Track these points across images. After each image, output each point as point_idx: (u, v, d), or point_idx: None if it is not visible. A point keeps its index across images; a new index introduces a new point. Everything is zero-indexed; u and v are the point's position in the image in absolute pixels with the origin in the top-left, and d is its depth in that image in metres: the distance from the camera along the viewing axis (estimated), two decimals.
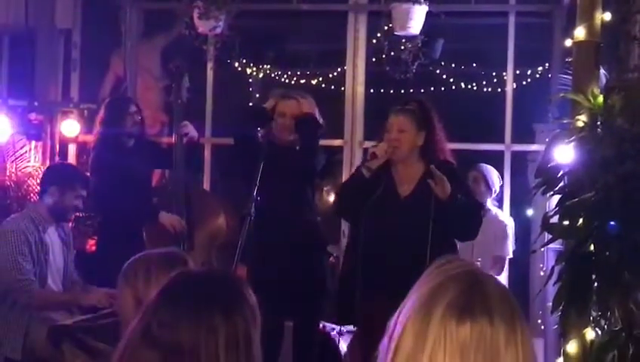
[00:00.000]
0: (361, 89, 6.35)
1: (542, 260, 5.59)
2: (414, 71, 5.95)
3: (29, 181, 6.13)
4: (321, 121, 4.89)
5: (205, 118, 6.45)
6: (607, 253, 3.24)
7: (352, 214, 4.29)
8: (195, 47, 6.12)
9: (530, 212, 6.09)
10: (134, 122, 5.11)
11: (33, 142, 6.29)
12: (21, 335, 4.31)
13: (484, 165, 5.66)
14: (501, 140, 6.23)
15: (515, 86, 6.32)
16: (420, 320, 1.34)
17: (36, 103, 6.30)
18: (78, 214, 5.22)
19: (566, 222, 3.39)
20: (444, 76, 6.86)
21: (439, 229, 3.97)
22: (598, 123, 3.45)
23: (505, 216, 5.76)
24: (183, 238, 4.87)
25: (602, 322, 3.35)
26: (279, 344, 4.72)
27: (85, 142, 6.16)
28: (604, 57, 3.64)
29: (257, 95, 7.60)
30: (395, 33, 5.84)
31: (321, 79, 7.29)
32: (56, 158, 6.26)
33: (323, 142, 5.44)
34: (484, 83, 6.93)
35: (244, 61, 7.17)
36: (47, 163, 6.20)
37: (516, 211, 6.09)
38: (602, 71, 3.64)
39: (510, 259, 5.59)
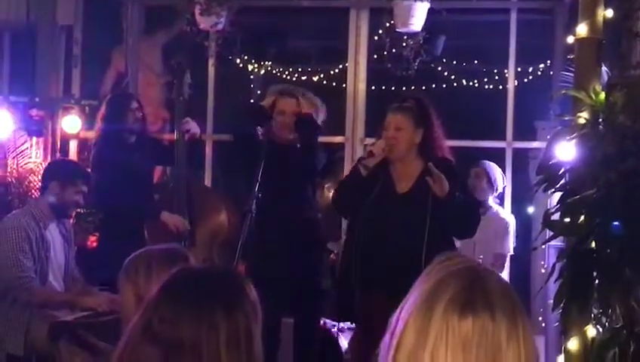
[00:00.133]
0: (362, 86, 6.35)
1: (543, 257, 5.58)
2: (416, 68, 5.94)
3: (30, 177, 6.13)
4: (322, 118, 4.89)
5: (206, 114, 6.45)
6: (609, 251, 3.24)
7: (350, 212, 4.29)
8: (196, 43, 6.12)
9: (531, 209, 6.08)
10: (135, 119, 5.11)
11: (34, 139, 6.29)
12: (22, 332, 4.30)
13: (488, 162, 5.65)
14: (502, 137, 6.22)
15: (516, 83, 6.32)
16: (422, 315, 1.35)
17: (37, 99, 6.30)
18: (79, 210, 5.23)
19: (567, 220, 3.39)
20: (446, 73, 6.85)
21: (436, 226, 3.96)
22: (600, 120, 3.45)
23: (506, 213, 5.75)
24: (184, 235, 4.87)
25: (603, 319, 3.35)
26: (278, 341, 4.73)
27: (86, 139, 6.15)
28: (606, 54, 3.63)
29: (259, 92, 7.59)
30: (397, 30, 5.83)
31: (322, 76, 7.28)
32: (58, 155, 6.26)
33: (324, 139, 5.45)
34: (486, 80, 6.92)
35: (246, 58, 7.17)
36: (49, 159, 6.19)
37: (517, 208, 6.09)
38: (604, 68, 3.64)
39: (511, 257, 5.59)
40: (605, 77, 3.62)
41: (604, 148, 3.28)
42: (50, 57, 6.49)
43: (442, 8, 5.82)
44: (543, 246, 4.70)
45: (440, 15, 5.79)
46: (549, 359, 5.09)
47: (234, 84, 7.16)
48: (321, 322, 5.24)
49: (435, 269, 1.40)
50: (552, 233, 3.58)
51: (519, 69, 6.40)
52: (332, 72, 7.13)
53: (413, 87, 6.72)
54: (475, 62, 7.06)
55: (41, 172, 5.10)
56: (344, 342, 5.28)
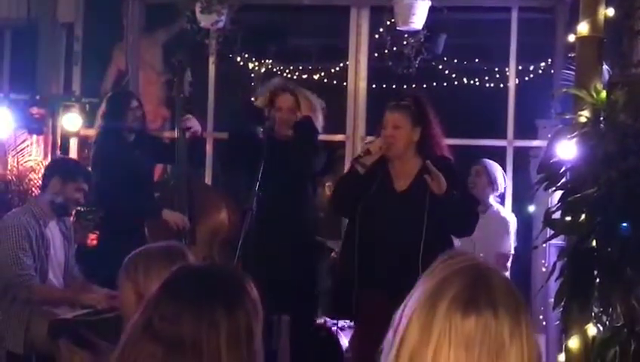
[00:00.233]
0: (363, 84, 6.34)
1: (544, 256, 5.58)
2: (417, 66, 5.94)
3: (30, 175, 6.13)
4: (320, 117, 4.89)
5: (207, 112, 6.45)
6: (610, 249, 3.24)
7: (347, 210, 4.28)
8: (197, 41, 6.11)
9: (531, 208, 6.07)
10: (136, 117, 5.11)
11: (35, 136, 6.29)
12: (22, 330, 4.30)
13: (488, 160, 5.63)
14: (503, 136, 6.22)
15: (517, 81, 6.31)
16: (425, 313, 1.35)
17: (38, 97, 6.30)
18: (79, 208, 5.22)
19: (568, 218, 3.39)
20: (447, 71, 6.84)
21: (434, 224, 3.95)
22: (601, 118, 3.45)
23: (507, 212, 5.74)
24: (185, 233, 4.87)
25: (604, 318, 3.35)
26: (277, 339, 4.73)
27: (87, 137, 6.15)
28: (607, 53, 3.63)
29: (259, 90, 7.58)
30: (398, 28, 5.83)
31: (323, 74, 7.27)
32: (58, 152, 6.26)
33: (325, 137, 5.45)
34: (487, 78, 6.91)
35: (246, 56, 7.16)
36: (49, 157, 6.19)
37: (518, 207, 6.08)
38: (605, 66, 3.64)
39: (512, 255, 5.58)
40: (606, 75, 3.62)
41: (605, 147, 3.28)
42: (51, 55, 6.49)
43: (443, 6, 5.81)
44: (544, 245, 4.70)
45: (441, 13, 5.79)
46: (550, 357, 5.08)
47: (234, 82, 7.16)
48: (322, 320, 5.24)
49: (438, 267, 1.41)
50: (552, 232, 3.58)
51: (520, 68, 6.39)
52: (333, 70, 7.13)
53: (413, 86, 6.72)
54: (476, 60, 7.05)
55: (42, 170, 5.10)
56: (344, 341, 5.28)
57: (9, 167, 6.18)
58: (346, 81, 6.45)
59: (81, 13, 6.52)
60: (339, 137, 6.30)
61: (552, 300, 3.49)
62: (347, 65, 6.44)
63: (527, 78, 6.49)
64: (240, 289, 1.71)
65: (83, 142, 6.34)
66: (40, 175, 5.45)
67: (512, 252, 5.55)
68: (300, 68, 7.50)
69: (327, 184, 6.66)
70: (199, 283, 1.71)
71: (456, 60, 6.86)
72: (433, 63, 6.46)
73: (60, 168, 4.66)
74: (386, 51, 5.98)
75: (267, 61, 7.46)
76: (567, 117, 3.67)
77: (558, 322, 3.68)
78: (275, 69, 7.42)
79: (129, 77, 6.60)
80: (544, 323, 5.48)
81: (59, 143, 6.32)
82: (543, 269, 5.55)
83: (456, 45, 6.59)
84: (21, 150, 6.24)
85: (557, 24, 6.13)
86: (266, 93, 4.88)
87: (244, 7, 6.12)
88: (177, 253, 2.40)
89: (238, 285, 1.72)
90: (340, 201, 4.28)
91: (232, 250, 4.33)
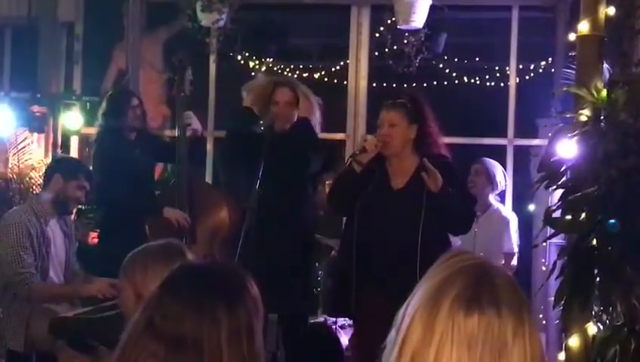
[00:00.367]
0: (363, 83, 6.34)
1: (544, 255, 5.59)
2: (417, 65, 5.94)
3: (31, 173, 6.14)
4: (318, 115, 4.89)
5: (207, 111, 6.45)
6: (610, 248, 3.24)
7: (344, 209, 4.28)
8: (197, 40, 6.11)
9: (532, 207, 6.07)
10: (136, 115, 5.10)
11: (35, 135, 6.30)
12: (23, 328, 4.31)
13: (488, 159, 5.62)
14: (504, 135, 6.22)
15: (518, 80, 6.31)
16: (428, 312, 1.35)
17: (39, 96, 6.30)
18: (80, 207, 5.22)
19: (568, 217, 3.39)
20: (447, 70, 6.84)
21: (431, 222, 3.95)
22: (602, 117, 3.44)
23: (507, 210, 5.74)
24: (185, 232, 4.87)
25: (604, 317, 3.35)
26: (277, 338, 4.74)
27: (87, 135, 6.16)
28: (608, 52, 3.63)
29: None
30: (398, 27, 5.83)
31: (323, 73, 7.26)
32: (59, 151, 6.26)
33: (326, 135, 5.45)
34: (487, 77, 6.91)
35: (247, 54, 7.15)
36: (50, 155, 6.20)
37: (518, 206, 6.08)
38: (606, 65, 3.64)
39: (516, 253, 5.57)
40: (607, 74, 3.62)
41: (606, 146, 3.28)
42: (52, 54, 6.49)
43: (444, 5, 5.81)
44: (544, 244, 4.70)
45: (442, 12, 5.79)
46: (550, 356, 5.07)
47: (235, 81, 7.15)
48: (322, 319, 5.25)
49: (441, 266, 1.40)
50: (553, 230, 3.58)
51: (521, 67, 6.39)
52: (333, 69, 7.12)
53: (414, 84, 6.72)
54: (477, 59, 7.04)
55: (43, 168, 5.11)
56: (345, 339, 5.29)
57: (10, 165, 6.19)
58: (347, 80, 6.45)
59: (82, 12, 6.53)
60: (339, 136, 6.31)
61: (552, 299, 3.49)
62: (348, 63, 6.45)
63: (527, 77, 6.49)
64: (240, 286, 1.71)
65: (84, 140, 6.35)
66: (41, 173, 5.46)
67: (516, 250, 5.54)
68: (301, 66, 7.49)
69: (327, 182, 6.66)
70: (200, 281, 1.71)
71: (456, 59, 6.86)
72: (434, 62, 6.46)
73: (61, 166, 4.67)
74: (387, 50, 5.99)
75: (268, 60, 7.45)
76: (567, 116, 3.67)
77: (558, 321, 3.68)
78: (275, 68, 7.41)
79: (129, 75, 6.60)
80: (544, 321, 5.48)
81: (59, 142, 6.33)
82: (543, 268, 5.55)
83: (457, 44, 6.59)
84: (22, 148, 6.25)
85: (557, 23, 6.14)
86: (249, 93, 4.88)
87: (245, 6, 6.12)
88: (176, 252, 2.40)
89: (239, 282, 1.72)
90: (337, 199, 4.28)
91: (232, 249, 4.33)
